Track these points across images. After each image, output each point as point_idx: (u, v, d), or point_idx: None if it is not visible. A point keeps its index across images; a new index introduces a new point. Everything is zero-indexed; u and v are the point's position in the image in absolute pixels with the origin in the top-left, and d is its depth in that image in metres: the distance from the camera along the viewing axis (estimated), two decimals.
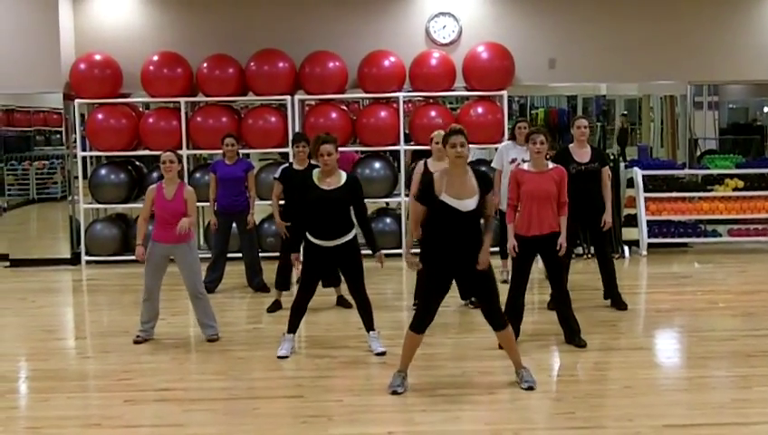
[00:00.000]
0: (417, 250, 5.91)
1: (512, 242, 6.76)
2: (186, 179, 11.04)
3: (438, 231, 5.75)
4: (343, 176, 6.72)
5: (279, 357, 6.72)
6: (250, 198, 9.18)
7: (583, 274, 9.54)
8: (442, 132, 7.67)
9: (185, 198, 7.17)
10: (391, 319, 7.76)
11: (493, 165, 9.26)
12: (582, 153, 7.97)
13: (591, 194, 7.92)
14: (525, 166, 6.95)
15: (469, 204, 5.67)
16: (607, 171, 8.06)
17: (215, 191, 9.15)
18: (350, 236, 6.71)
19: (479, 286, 5.89)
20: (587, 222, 8.13)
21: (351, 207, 6.77)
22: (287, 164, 8.60)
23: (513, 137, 9.23)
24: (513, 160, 8.72)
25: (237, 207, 9.12)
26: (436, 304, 5.85)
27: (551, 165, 6.85)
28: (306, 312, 6.87)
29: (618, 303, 8.15)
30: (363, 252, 6.84)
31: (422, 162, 7.91)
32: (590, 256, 10.79)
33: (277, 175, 8.39)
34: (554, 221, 6.75)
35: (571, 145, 8.10)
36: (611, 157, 11.50)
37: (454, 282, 5.94)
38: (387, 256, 10.83)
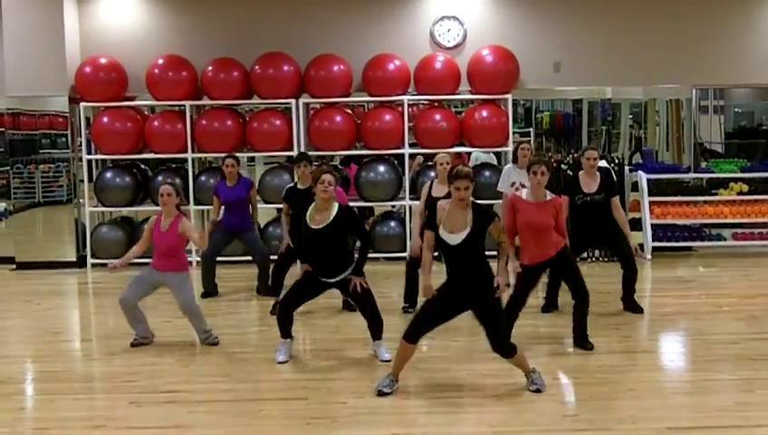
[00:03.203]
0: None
1: (514, 264, 6.71)
2: (190, 182, 11.11)
3: (445, 261, 5.90)
4: (335, 209, 6.58)
5: (279, 363, 6.74)
6: (253, 215, 9.35)
7: (587, 277, 9.50)
8: (447, 155, 8.06)
9: (180, 231, 7.13)
10: (397, 323, 7.73)
11: (498, 188, 9.22)
12: (590, 183, 7.97)
13: (598, 221, 7.97)
14: (524, 193, 6.92)
15: (456, 238, 5.71)
16: (616, 201, 8.00)
17: (216, 212, 9.23)
18: (349, 271, 6.66)
19: (485, 317, 5.85)
20: (605, 241, 8.45)
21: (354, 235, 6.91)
22: (291, 184, 8.63)
23: (515, 159, 9.12)
24: (513, 184, 8.74)
25: (243, 227, 9.25)
26: (432, 324, 5.92)
27: (549, 196, 6.81)
28: (294, 320, 6.89)
29: (632, 307, 8.20)
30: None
31: (429, 183, 8.10)
32: (603, 259, 10.84)
33: (283, 195, 8.50)
34: (557, 242, 6.80)
35: (580, 172, 8.11)
36: (616, 160, 11.50)
37: None
38: (390, 259, 11.04)
